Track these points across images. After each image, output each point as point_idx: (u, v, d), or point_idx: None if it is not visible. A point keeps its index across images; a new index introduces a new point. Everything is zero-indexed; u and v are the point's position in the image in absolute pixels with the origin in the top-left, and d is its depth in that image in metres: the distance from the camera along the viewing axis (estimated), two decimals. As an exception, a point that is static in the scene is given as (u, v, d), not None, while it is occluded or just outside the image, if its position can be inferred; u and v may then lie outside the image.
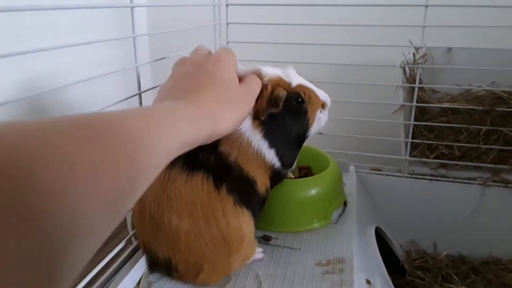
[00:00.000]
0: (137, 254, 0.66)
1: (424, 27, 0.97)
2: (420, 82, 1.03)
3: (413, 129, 1.07)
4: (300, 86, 0.66)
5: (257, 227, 0.68)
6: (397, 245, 1.09)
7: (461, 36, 1.09)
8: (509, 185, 1.05)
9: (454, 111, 1.07)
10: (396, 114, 1.08)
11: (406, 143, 1.08)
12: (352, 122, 1.12)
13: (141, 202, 0.61)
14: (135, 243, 0.69)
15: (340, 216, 0.85)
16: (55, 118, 0.28)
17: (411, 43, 1.05)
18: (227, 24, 1.08)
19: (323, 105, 0.70)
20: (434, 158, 1.09)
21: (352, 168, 1.08)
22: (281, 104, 0.62)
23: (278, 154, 0.66)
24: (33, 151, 0.24)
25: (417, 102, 1.04)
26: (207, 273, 0.61)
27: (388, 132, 1.11)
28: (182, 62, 0.57)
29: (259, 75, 0.62)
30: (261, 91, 0.62)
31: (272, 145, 0.65)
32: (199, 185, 0.59)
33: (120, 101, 0.66)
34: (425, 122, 1.09)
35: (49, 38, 0.84)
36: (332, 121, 0.99)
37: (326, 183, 0.83)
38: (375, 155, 1.11)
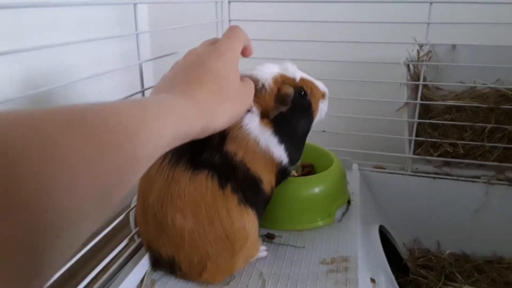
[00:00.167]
0: (140, 252, 0.66)
1: (428, 24, 0.96)
2: (424, 80, 1.03)
3: (417, 127, 1.06)
4: (302, 80, 0.68)
5: (261, 225, 0.68)
6: (400, 243, 1.08)
7: (466, 33, 1.08)
8: (513, 183, 1.04)
9: (459, 108, 1.06)
10: (399, 111, 1.07)
11: (410, 141, 1.08)
12: (356, 120, 1.11)
13: (145, 200, 0.60)
14: (138, 241, 0.68)
15: (343, 214, 0.84)
16: (48, 109, 0.28)
17: (415, 40, 1.04)
18: (230, 21, 1.08)
19: (323, 96, 0.72)
20: (438, 156, 1.08)
21: (355, 166, 1.07)
22: (290, 101, 0.63)
23: (287, 150, 0.66)
24: (22, 142, 0.24)
25: (421, 99, 1.04)
26: (211, 272, 0.61)
27: (391, 130, 1.10)
28: (187, 53, 0.57)
29: (254, 80, 0.62)
30: (263, 90, 0.63)
31: (281, 141, 0.65)
32: (204, 184, 0.58)
33: (123, 99, 0.65)
34: (429, 119, 1.08)
35: (50, 36, 0.84)
36: (336, 118, 0.99)
37: (330, 181, 0.82)
38: (378, 153, 1.10)
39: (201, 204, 0.58)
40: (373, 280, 0.70)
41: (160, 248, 0.61)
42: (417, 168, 1.10)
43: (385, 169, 1.12)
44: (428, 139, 1.08)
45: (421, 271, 1.05)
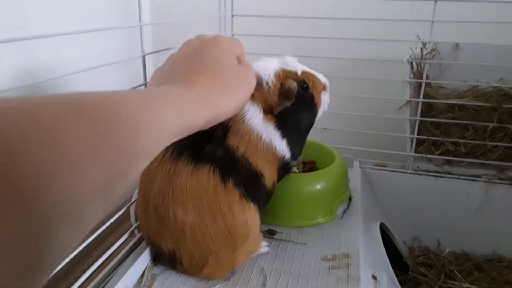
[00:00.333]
0: (140, 246, 0.66)
1: (432, 21, 0.95)
2: (427, 78, 1.02)
3: (418, 125, 1.06)
4: (303, 73, 0.68)
5: (262, 221, 0.67)
6: (401, 241, 1.08)
7: (469, 32, 1.08)
8: (514, 182, 1.04)
9: (461, 107, 1.06)
10: (402, 109, 1.07)
11: (412, 139, 1.07)
12: (357, 117, 1.11)
13: (146, 194, 0.60)
14: (138, 235, 0.68)
15: (345, 211, 0.84)
16: (49, 98, 0.27)
17: (419, 38, 1.04)
18: (232, 16, 1.07)
19: (324, 87, 0.72)
20: (440, 154, 1.08)
21: (356, 164, 1.07)
22: (294, 96, 0.63)
23: (289, 144, 0.66)
24: (24, 132, 0.23)
25: (424, 98, 1.03)
26: (212, 267, 0.60)
27: (393, 128, 1.10)
28: (183, 45, 0.56)
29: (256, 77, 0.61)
30: (265, 86, 0.63)
31: (284, 135, 0.65)
32: (205, 178, 0.58)
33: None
34: (431, 118, 1.07)
35: (51, 28, 0.83)
36: (338, 116, 0.98)
37: (332, 178, 0.82)
38: (380, 150, 1.10)
39: (203, 199, 0.58)
40: (374, 277, 0.70)
41: (161, 243, 0.60)
42: (418, 167, 1.10)
43: (386, 167, 1.12)
44: (430, 138, 1.08)
45: (421, 269, 1.04)
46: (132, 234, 0.68)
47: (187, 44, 0.55)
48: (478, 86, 1.08)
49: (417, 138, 1.07)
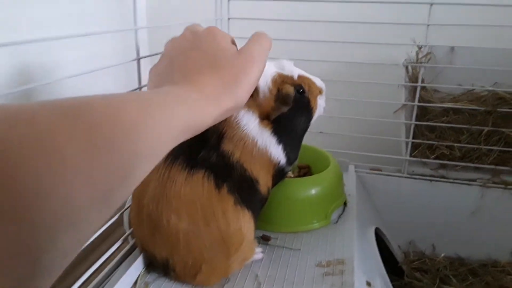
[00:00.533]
0: (134, 253, 0.65)
1: (428, 25, 0.95)
2: (422, 82, 1.02)
3: (414, 129, 1.06)
4: (300, 77, 0.67)
5: (256, 226, 0.67)
6: (396, 246, 1.08)
7: (465, 35, 1.08)
8: (509, 186, 1.04)
9: (456, 111, 1.06)
10: (397, 113, 1.07)
11: (407, 143, 1.07)
12: (353, 121, 1.11)
13: (139, 200, 0.59)
14: (131, 242, 0.67)
15: (340, 216, 0.83)
16: (47, 103, 0.27)
17: (414, 41, 1.04)
18: (229, 19, 1.06)
19: (320, 91, 0.71)
20: (435, 158, 1.08)
21: (352, 168, 1.07)
22: (291, 101, 0.62)
23: (285, 149, 0.66)
24: (22, 139, 0.23)
25: (419, 101, 1.03)
26: (206, 274, 0.60)
27: (388, 132, 1.10)
28: (174, 39, 0.53)
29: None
30: (262, 92, 0.62)
31: (280, 140, 0.65)
32: (200, 184, 0.57)
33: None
34: (426, 122, 1.07)
35: (46, 31, 0.82)
36: (333, 119, 0.98)
37: (327, 182, 0.82)
38: (375, 154, 1.10)
39: (197, 205, 0.57)
40: (368, 283, 0.70)
41: (154, 250, 0.60)
42: (413, 171, 1.10)
43: (381, 171, 1.12)
44: (425, 141, 1.08)
45: (416, 274, 1.04)
46: (125, 241, 0.67)
47: (180, 39, 0.52)
48: (473, 89, 1.08)
49: (412, 142, 1.07)
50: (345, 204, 0.87)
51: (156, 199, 0.57)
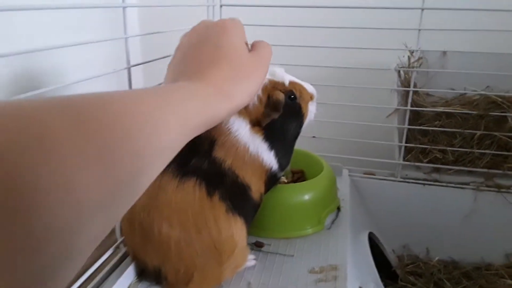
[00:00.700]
0: (125, 261, 0.64)
1: (419, 30, 0.96)
2: (414, 86, 1.03)
3: (407, 133, 1.06)
4: (291, 83, 0.67)
5: (249, 233, 0.67)
6: (390, 250, 1.08)
7: (456, 40, 1.09)
8: (502, 190, 1.04)
9: (448, 115, 1.06)
10: (390, 117, 1.07)
11: (400, 147, 1.07)
12: (346, 126, 1.11)
13: (131, 208, 0.58)
14: (123, 250, 0.67)
15: (333, 221, 0.83)
16: (47, 101, 0.26)
17: (406, 46, 1.04)
18: (221, 6, 1.05)
19: (311, 97, 0.71)
20: (428, 162, 1.08)
21: (345, 172, 1.07)
22: (282, 108, 0.62)
23: (277, 155, 0.66)
24: (21, 138, 0.22)
25: (412, 106, 1.03)
26: (198, 282, 0.59)
27: (381, 136, 1.10)
28: (189, 34, 0.54)
29: None
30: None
31: (272, 147, 0.65)
32: (191, 192, 0.57)
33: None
34: (419, 126, 1.08)
35: (40, 38, 0.82)
36: (326, 124, 0.98)
37: (320, 188, 0.82)
38: (368, 159, 1.10)
39: (188, 213, 0.57)
40: (362, 289, 0.70)
41: (146, 258, 0.59)
42: (406, 174, 1.10)
43: (375, 175, 1.12)
44: (418, 146, 1.08)
45: (410, 278, 1.04)
46: (117, 249, 0.67)
47: (192, 32, 0.53)
48: (465, 94, 1.08)
49: (405, 146, 1.07)
50: (338, 209, 0.87)
51: (147, 208, 0.57)
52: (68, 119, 0.25)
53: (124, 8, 0.62)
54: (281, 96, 0.64)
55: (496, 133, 1.02)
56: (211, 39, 0.49)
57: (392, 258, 1.06)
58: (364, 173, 1.12)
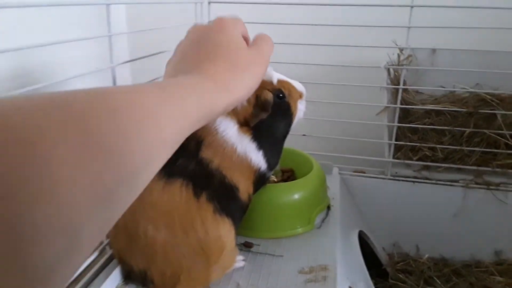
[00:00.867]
0: (111, 264, 0.63)
1: (409, 27, 0.95)
2: (404, 84, 1.02)
3: (396, 131, 1.06)
4: (279, 81, 0.66)
5: (239, 233, 0.66)
6: (380, 248, 1.08)
7: (446, 37, 1.08)
8: (491, 187, 1.05)
9: (438, 113, 1.06)
10: (379, 115, 1.07)
11: (390, 145, 1.07)
12: (336, 124, 1.10)
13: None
14: (109, 252, 0.65)
15: (323, 220, 0.83)
16: (35, 97, 0.25)
17: (396, 44, 1.04)
18: (209, 3, 1.03)
19: (300, 96, 0.70)
20: (417, 160, 1.08)
21: (335, 170, 1.06)
22: (270, 107, 0.61)
23: (266, 155, 0.65)
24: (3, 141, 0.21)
25: (401, 103, 1.03)
26: (185, 285, 0.58)
27: (371, 134, 1.10)
28: (190, 32, 0.54)
29: None
30: None
31: (260, 146, 0.64)
32: (177, 193, 0.56)
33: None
34: (409, 123, 1.08)
35: (27, 36, 0.80)
36: (316, 122, 0.97)
37: (310, 187, 0.81)
38: (358, 157, 1.10)
39: (175, 214, 0.56)
40: (352, 289, 0.69)
41: (131, 261, 0.58)
42: (396, 172, 1.10)
43: (365, 173, 1.11)
44: (408, 143, 1.08)
45: (400, 275, 1.04)
46: (102, 252, 0.66)
47: (193, 30, 0.53)
48: (454, 91, 1.08)
49: (395, 144, 1.07)
50: (328, 207, 0.86)
51: (132, 209, 0.55)
52: (62, 118, 0.24)
53: (107, 5, 0.60)
54: (269, 96, 0.63)
55: (485, 131, 1.02)
56: (210, 36, 0.50)
57: (382, 256, 1.06)
58: (354, 171, 1.12)
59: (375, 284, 0.86)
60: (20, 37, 0.78)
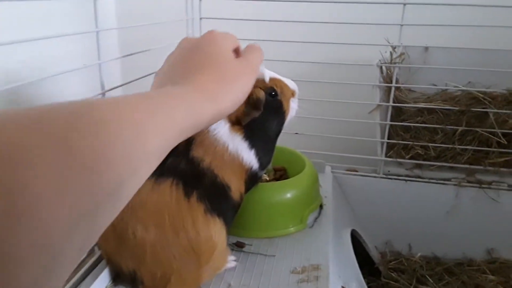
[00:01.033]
0: (100, 265, 0.62)
1: (401, 25, 0.95)
2: (396, 82, 1.02)
3: (389, 129, 1.05)
4: (272, 79, 0.65)
5: (230, 233, 0.65)
6: (372, 246, 1.07)
7: (438, 35, 1.08)
8: (483, 185, 1.05)
9: (430, 111, 1.06)
10: (372, 113, 1.06)
11: (382, 143, 1.07)
12: (328, 122, 1.10)
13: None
14: (98, 253, 0.64)
15: (316, 219, 0.82)
16: (19, 114, 0.24)
17: (388, 41, 1.03)
18: (201, 19, 1.04)
19: (293, 94, 0.69)
20: (410, 158, 1.08)
21: (328, 169, 1.06)
22: (262, 106, 0.60)
23: (257, 154, 0.64)
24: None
25: (394, 102, 1.03)
26: (176, 286, 0.57)
27: (364, 132, 1.09)
28: (181, 42, 0.55)
29: None
30: None
31: (252, 145, 0.63)
32: (167, 192, 0.55)
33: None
34: (401, 122, 1.07)
35: (14, 31, 0.79)
36: (308, 120, 0.96)
37: (302, 186, 0.80)
38: (351, 155, 1.09)
39: (165, 215, 0.55)
40: (344, 289, 0.69)
41: (120, 262, 0.57)
42: (389, 171, 1.10)
43: (357, 171, 1.11)
44: (400, 142, 1.08)
45: (393, 274, 1.04)
46: (91, 253, 0.64)
47: (183, 42, 0.54)
48: (447, 89, 1.08)
49: (387, 142, 1.07)
50: (321, 206, 0.86)
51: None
52: (43, 137, 0.24)
53: (95, 0, 0.59)
54: (261, 94, 0.62)
55: (477, 129, 1.02)
56: (200, 48, 0.50)
57: (374, 254, 1.06)
58: (347, 170, 1.11)
59: (367, 283, 0.86)
60: (4, 32, 0.76)
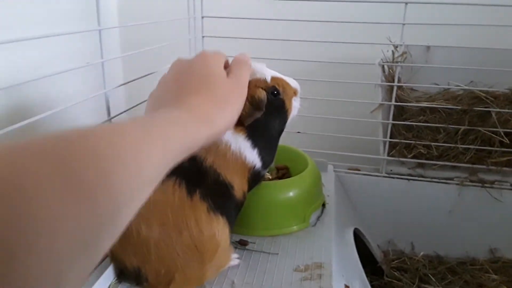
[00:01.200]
0: (104, 262, 0.62)
1: (403, 24, 0.95)
2: (398, 81, 1.02)
3: (391, 128, 1.05)
4: (273, 79, 0.65)
5: (234, 231, 0.65)
6: (375, 245, 1.07)
7: (440, 34, 1.08)
8: (486, 185, 1.05)
9: (433, 110, 1.06)
10: (374, 113, 1.06)
11: (384, 143, 1.07)
12: (331, 121, 1.10)
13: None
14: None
15: (318, 218, 0.82)
16: (26, 144, 0.25)
17: (390, 40, 1.03)
18: (202, 17, 1.04)
19: (295, 92, 0.69)
20: (412, 157, 1.08)
21: (330, 168, 1.06)
22: (264, 106, 0.60)
23: (260, 153, 0.64)
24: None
25: (396, 101, 1.03)
26: (179, 283, 0.58)
27: (366, 131, 1.09)
28: (172, 65, 0.56)
29: None
30: None
31: (255, 144, 0.63)
32: (170, 191, 0.55)
33: (85, 100, 0.61)
34: (403, 121, 1.07)
35: (15, 31, 0.79)
36: (310, 119, 0.97)
37: (305, 184, 0.80)
38: (353, 154, 1.09)
39: (168, 213, 0.55)
40: (347, 287, 0.69)
41: (125, 259, 0.57)
42: (391, 170, 1.10)
43: (360, 170, 1.11)
44: (402, 141, 1.08)
45: (395, 273, 1.04)
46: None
47: (175, 64, 0.55)
48: (449, 88, 1.08)
49: (390, 142, 1.07)
50: (323, 205, 0.86)
51: (125, 207, 0.55)
52: (48, 164, 0.24)
53: (98, -1, 0.59)
54: (262, 95, 0.61)
55: (480, 128, 1.02)
56: (192, 70, 0.52)
57: (377, 253, 1.06)
58: (349, 169, 1.11)
59: (370, 281, 0.86)
60: (6, 30, 0.77)
